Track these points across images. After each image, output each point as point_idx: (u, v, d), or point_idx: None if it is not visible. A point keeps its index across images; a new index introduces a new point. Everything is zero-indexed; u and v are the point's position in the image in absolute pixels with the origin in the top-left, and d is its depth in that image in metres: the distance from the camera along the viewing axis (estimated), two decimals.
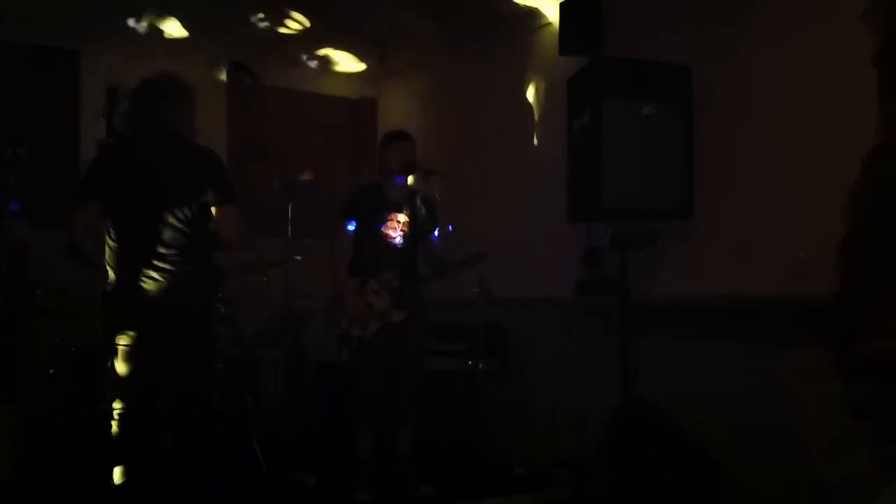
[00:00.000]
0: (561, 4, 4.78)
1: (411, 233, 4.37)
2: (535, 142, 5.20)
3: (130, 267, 3.37)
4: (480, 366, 4.15)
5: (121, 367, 3.36)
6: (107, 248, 3.42)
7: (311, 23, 5.36)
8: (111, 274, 3.41)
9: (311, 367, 5.63)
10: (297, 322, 5.09)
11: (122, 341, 3.35)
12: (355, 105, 6.89)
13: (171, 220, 3.39)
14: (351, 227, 4.46)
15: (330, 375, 5.43)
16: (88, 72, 5.88)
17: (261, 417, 4.56)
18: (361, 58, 6.16)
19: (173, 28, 5.34)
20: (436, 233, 4.46)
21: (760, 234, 3.81)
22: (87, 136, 5.90)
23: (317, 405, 5.36)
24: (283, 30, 5.40)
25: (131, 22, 5.16)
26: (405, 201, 4.39)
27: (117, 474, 3.27)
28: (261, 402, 4.88)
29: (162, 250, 3.37)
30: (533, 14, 5.18)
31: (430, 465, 4.59)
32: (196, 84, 3.67)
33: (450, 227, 4.22)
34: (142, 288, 3.35)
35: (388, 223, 4.35)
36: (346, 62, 6.12)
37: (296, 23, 5.35)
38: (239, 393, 4.42)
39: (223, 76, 6.22)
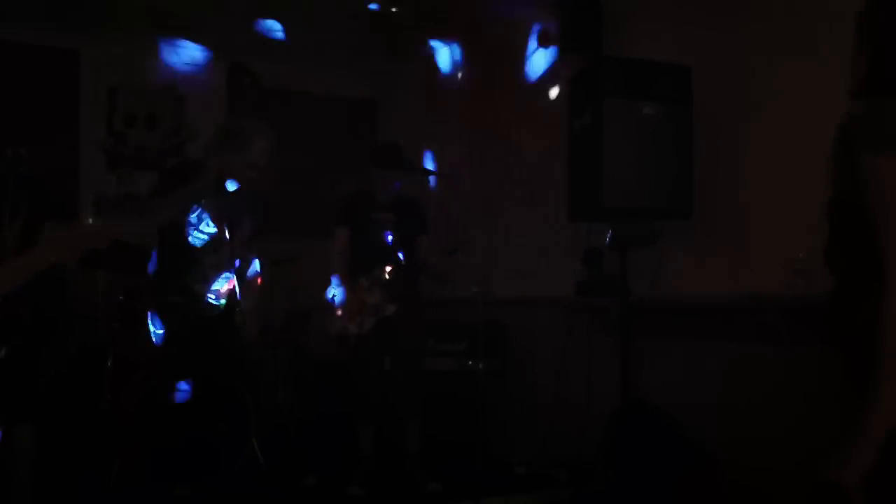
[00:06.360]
0: (561, 4, 4.78)
1: (401, 236, 4.43)
2: (535, 142, 5.20)
3: None
4: (480, 366, 4.15)
5: None
6: None
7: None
8: None
9: (312, 367, 5.63)
10: (297, 321, 5.09)
11: None
12: (354, 105, 6.88)
13: None
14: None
15: (330, 374, 5.43)
16: (88, 72, 5.89)
17: (261, 417, 4.56)
18: None
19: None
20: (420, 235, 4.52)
21: (760, 234, 3.81)
22: (87, 135, 5.91)
23: (317, 404, 5.36)
24: None
25: None
26: (396, 205, 4.46)
27: None
28: (261, 402, 4.87)
29: None
30: (532, 14, 5.18)
31: (431, 465, 4.59)
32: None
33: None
34: None
35: (379, 227, 4.41)
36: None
37: None
38: (239, 393, 4.42)
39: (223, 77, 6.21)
